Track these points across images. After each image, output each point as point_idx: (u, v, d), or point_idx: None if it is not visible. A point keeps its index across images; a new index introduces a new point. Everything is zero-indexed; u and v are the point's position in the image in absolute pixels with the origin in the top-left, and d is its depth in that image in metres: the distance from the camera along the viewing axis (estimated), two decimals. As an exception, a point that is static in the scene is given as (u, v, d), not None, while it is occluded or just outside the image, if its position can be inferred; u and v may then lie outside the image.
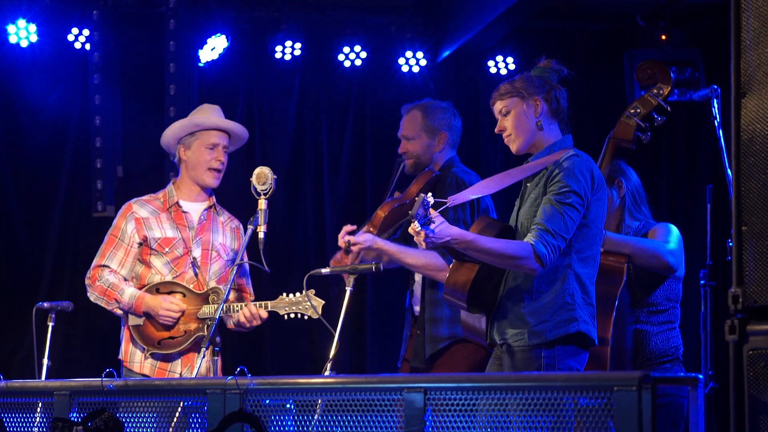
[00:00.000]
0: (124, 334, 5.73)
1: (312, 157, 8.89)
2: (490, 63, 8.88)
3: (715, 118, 5.68)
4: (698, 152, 8.86)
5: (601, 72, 8.96)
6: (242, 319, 5.52)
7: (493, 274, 4.60)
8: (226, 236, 5.81)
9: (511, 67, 8.86)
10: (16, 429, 4.79)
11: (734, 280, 3.22)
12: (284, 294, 5.47)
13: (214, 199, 5.86)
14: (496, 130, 4.73)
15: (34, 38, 8.20)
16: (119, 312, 5.69)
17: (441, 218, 4.30)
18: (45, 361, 5.84)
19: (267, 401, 4.17)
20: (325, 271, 5.24)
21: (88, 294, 5.77)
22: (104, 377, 4.51)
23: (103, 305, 5.72)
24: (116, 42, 8.31)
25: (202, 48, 8.38)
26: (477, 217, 5.53)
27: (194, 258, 5.67)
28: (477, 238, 4.41)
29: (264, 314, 5.53)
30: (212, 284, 5.64)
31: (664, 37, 8.54)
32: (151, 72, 8.27)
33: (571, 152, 4.58)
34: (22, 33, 8.15)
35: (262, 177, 5.44)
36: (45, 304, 5.95)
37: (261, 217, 5.40)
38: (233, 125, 5.87)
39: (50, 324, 5.88)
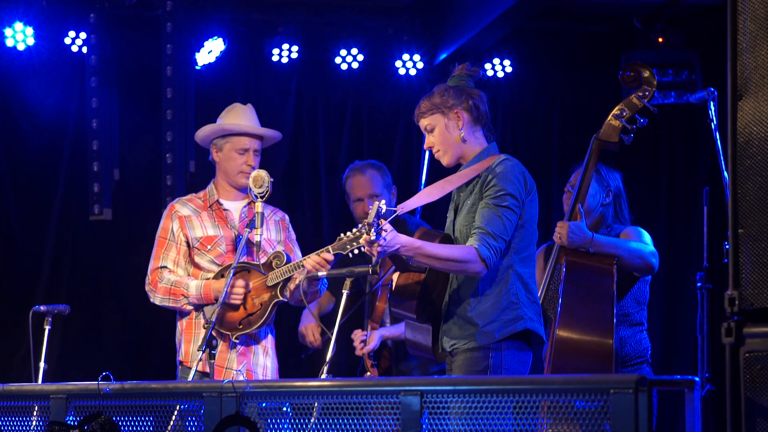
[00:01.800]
0: (183, 335, 5.67)
1: (309, 160, 8.89)
2: (488, 65, 8.87)
3: (712, 121, 5.69)
4: (695, 155, 8.87)
5: (599, 74, 8.96)
6: (309, 267, 5.30)
7: (437, 283, 4.69)
8: (270, 230, 5.77)
9: (509, 69, 8.87)
10: (13, 432, 4.78)
11: (731, 282, 3.21)
12: (342, 234, 5.26)
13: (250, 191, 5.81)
14: (425, 146, 4.83)
15: (31, 41, 8.19)
16: (189, 308, 5.61)
17: (390, 227, 4.40)
18: (41, 364, 5.83)
19: (263, 404, 4.17)
20: (322, 273, 5.25)
21: (152, 299, 5.69)
22: (100, 381, 4.50)
23: (170, 305, 5.64)
24: (113, 45, 8.31)
25: (199, 51, 8.37)
26: None
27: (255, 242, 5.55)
28: (424, 245, 4.53)
29: (330, 257, 5.26)
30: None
31: (661, 39, 8.55)
32: (148, 75, 8.27)
33: (502, 157, 4.69)
34: (19, 36, 8.15)
35: (259, 180, 5.44)
36: (42, 308, 5.94)
37: (258, 220, 5.40)
38: (264, 131, 5.83)
39: (47, 327, 5.87)
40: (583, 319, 5.09)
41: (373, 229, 4.37)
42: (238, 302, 5.51)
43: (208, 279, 5.59)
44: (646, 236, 5.47)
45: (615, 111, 5.41)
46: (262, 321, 5.53)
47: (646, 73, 5.44)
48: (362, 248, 4.99)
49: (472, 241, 4.51)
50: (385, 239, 4.41)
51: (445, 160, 4.77)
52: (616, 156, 5.58)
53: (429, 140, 4.78)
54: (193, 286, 5.57)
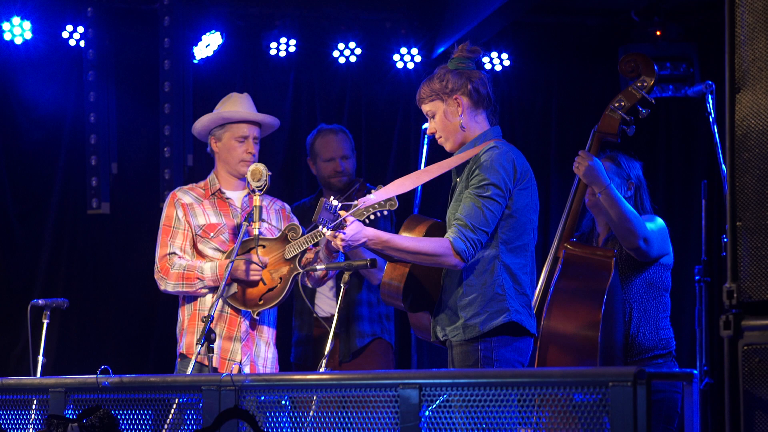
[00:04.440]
0: (186, 327, 5.62)
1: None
2: (485, 59, 8.87)
3: (710, 114, 5.68)
4: (693, 148, 8.86)
5: (596, 67, 8.96)
6: (329, 236, 5.23)
7: (431, 273, 4.63)
8: (271, 219, 5.76)
9: (506, 63, 8.86)
10: (11, 426, 4.78)
11: (729, 275, 3.22)
12: (356, 202, 5.13)
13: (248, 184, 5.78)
14: (428, 132, 4.77)
15: (28, 35, 8.18)
16: (204, 291, 5.56)
17: (353, 219, 4.36)
18: (40, 358, 5.84)
19: (262, 398, 4.17)
20: (320, 267, 5.24)
21: (164, 287, 5.62)
22: (99, 374, 4.50)
23: (184, 290, 5.59)
24: (111, 39, 8.29)
25: (196, 45, 8.36)
26: None
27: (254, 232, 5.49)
28: (392, 238, 4.48)
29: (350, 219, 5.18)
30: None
31: (658, 32, 8.54)
32: (146, 69, 8.26)
33: (491, 144, 4.60)
34: (17, 30, 8.13)
35: (257, 174, 5.44)
36: (40, 302, 5.94)
37: (256, 214, 5.40)
38: (262, 117, 5.81)
39: (45, 321, 5.88)
40: (570, 313, 5.06)
41: (322, 226, 4.34)
42: (257, 278, 5.49)
43: (221, 260, 5.57)
44: (656, 224, 5.43)
45: (612, 103, 5.38)
46: (283, 295, 5.50)
47: (645, 64, 5.41)
48: (381, 212, 4.73)
49: (449, 233, 4.46)
50: (344, 233, 4.37)
51: (447, 146, 4.72)
52: (616, 148, 5.57)
53: (431, 126, 4.73)
54: (207, 268, 5.54)
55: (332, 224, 4.35)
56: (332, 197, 4.42)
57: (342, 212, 4.41)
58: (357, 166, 6.62)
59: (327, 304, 6.54)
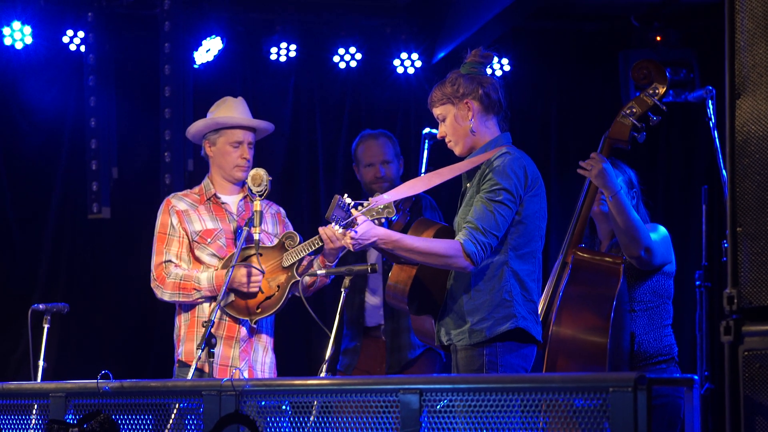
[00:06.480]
0: (184, 334, 5.61)
1: (307, 159, 8.89)
2: (485, 64, 8.86)
3: (710, 119, 5.68)
4: (693, 153, 8.87)
5: (596, 72, 8.97)
6: (325, 237, 5.24)
7: (437, 276, 4.62)
8: (267, 223, 5.74)
9: (506, 68, 8.87)
10: (12, 431, 4.78)
11: (729, 281, 3.22)
12: (369, 200, 4.68)
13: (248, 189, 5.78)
14: (438, 136, 4.76)
15: (29, 40, 8.18)
16: (201, 301, 5.55)
17: (364, 218, 4.35)
18: (40, 362, 5.83)
19: (263, 403, 4.17)
20: (321, 272, 5.24)
21: (160, 295, 5.61)
22: (99, 379, 4.50)
23: (181, 300, 5.57)
24: (111, 44, 8.30)
25: (197, 50, 8.37)
26: None
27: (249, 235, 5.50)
28: (403, 238, 4.47)
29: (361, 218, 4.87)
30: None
31: (658, 37, 8.55)
32: (146, 74, 8.27)
33: (503, 150, 4.62)
34: (17, 35, 8.14)
35: (258, 178, 5.44)
36: (40, 306, 5.94)
37: (256, 219, 5.40)
38: (257, 123, 5.80)
39: (46, 326, 5.88)
40: (579, 319, 5.05)
41: (334, 223, 4.35)
42: (256, 290, 5.49)
43: (217, 269, 5.57)
44: (659, 233, 5.42)
45: (624, 109, 5.34)
46: (281, 303, 5.50)
47: (657, 71, 5.37)
48: (386, 219, 4.70)
49: (460, 235, 4.45)
50: (356, 231, 4.37)
51: (457, 150, 4.71)
52: (617, 154, 5.57)
53: (441, 130, 4.73)
54: (203, 278, 5.53)
55: (344, 222, 4.35)
56: (346, 195, 4.41)
57: (354, 211, 4.41)
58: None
59: (375, 313, 6.48)
